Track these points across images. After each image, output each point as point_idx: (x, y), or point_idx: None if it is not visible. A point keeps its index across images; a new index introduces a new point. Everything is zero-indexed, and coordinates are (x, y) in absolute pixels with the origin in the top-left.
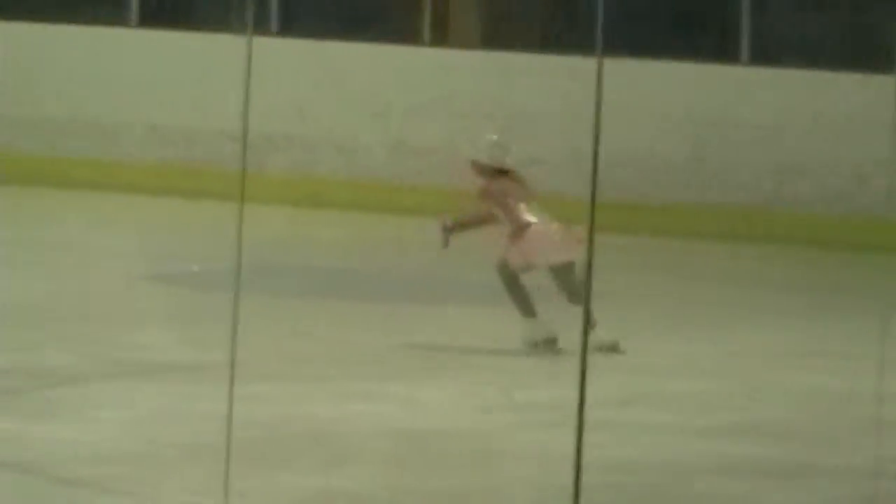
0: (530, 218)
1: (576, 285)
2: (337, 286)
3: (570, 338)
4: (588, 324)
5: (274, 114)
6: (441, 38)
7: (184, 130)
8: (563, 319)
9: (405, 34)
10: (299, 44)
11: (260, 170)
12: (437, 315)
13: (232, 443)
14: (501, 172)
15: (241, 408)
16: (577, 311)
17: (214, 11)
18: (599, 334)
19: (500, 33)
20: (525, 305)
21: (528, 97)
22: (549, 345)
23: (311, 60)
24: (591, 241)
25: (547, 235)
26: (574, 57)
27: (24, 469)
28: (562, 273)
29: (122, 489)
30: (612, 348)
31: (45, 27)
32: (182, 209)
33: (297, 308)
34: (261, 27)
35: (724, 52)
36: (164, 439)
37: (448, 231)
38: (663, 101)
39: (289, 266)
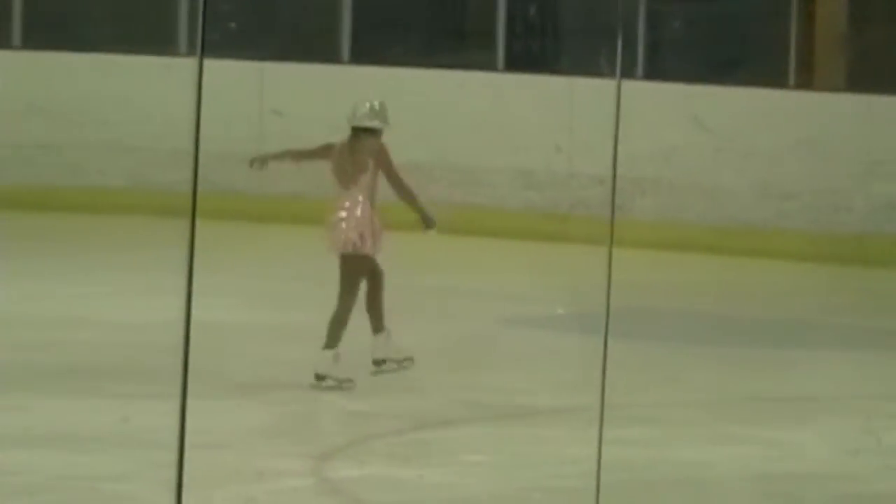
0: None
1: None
2: (705, 331)
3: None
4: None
5: (641, 158)
6: (807, 80)
7: (550, 175)
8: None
9: (771, 77)
10: (666, 87)
11: (627, 214)
12: (804, 360)
13: (600, 487)
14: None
15: (609, 451)
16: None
17: (582, 55)
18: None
19: (865, 76)
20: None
21: (893, 140)
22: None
23: (678, 104)
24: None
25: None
26: None
27: None
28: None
29: None
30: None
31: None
32: (547, 253)
33: (665, 352)
34: (627, 71)
35: None
36: (532, 483)
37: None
38: None
39: (656, 310)
